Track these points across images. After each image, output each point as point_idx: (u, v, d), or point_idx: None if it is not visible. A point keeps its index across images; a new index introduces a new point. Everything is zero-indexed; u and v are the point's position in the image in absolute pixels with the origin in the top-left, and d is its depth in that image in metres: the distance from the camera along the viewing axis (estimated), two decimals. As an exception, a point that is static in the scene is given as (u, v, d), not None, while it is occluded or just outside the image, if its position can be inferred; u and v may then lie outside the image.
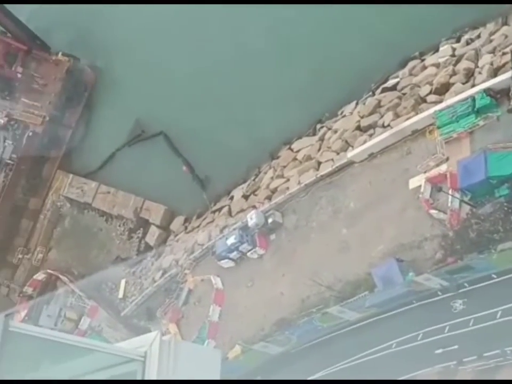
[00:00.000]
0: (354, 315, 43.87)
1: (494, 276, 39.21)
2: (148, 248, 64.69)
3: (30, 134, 70.95)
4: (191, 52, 65.94)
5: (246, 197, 59.04)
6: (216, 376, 18.01)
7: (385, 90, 54.43)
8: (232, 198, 60.98)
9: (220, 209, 60.80)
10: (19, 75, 72.82)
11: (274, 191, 55.77)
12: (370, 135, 51.97)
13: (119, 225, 66.84)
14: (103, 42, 72.30)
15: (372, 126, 52.71)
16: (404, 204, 45.79)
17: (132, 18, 70.03)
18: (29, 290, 66.56)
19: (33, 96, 72.31)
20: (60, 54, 73.73)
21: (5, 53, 73.06)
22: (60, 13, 74.24)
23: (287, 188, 54.24)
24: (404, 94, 52.32)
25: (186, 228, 63.64)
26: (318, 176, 51.56)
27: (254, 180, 60.08)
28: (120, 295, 61.84)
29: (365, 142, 51.22)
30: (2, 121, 72.06)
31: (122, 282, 62.41)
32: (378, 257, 45.11)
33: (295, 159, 57.45)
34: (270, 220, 51.94)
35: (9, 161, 70.95)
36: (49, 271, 67.11)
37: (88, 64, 73.77)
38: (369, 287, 43.85)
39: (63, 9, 73.44)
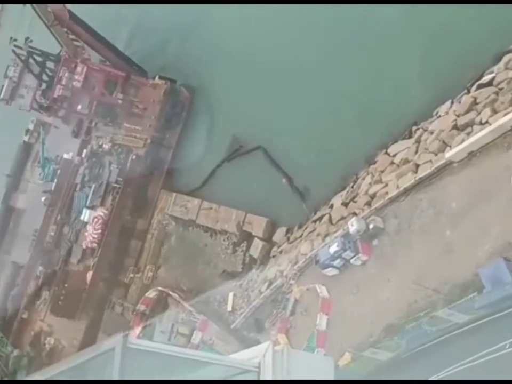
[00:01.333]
0: (464, 317, 43.21)
1: None
2: (253, 260, 65.77)
3: (134, 157, 73.60)
4: (284, 60, 66.79)
5: (345, 204, 59.17)
6: (330, 384, 18.32)
7: (480, 86, 53.43)
8: (331, 206, 61.27)
9: (320, 218, 61.19)
10: (119, 101, 75.77)
11: (373, 196, 55.61)
12: (468, 134, 51.06)
13: (223, 240, 68.27)
14: (195, 60, 74.30)
15: (469, 124, 51.80)
16: (508, 201, 44.71)
17: (221, 33, 71.66)
18: (141, 307, 68.75)
19: (134, 120, 75.07)
20: (157, 77, 76.26)
21: (105, 81, 76.19)
22: (153, 37, 77.01)
23: (386, 193, 53.91)
24: (501, 89, 51.21)
25: (288, 238, 64.35)
26: (417, 178, 51.00)
27: (352, 186, 60.17)
28: (229, 308, 63.10)
29: (463, 141, 50.29)
30: (107, 147, 75.13)
31: (230, 295, 63.66)
32: (485, 258, 44.16)
33: (392, 163, 57.10)
34: (371, 226, 51.83)
35: (115, 185, 73.84)
36: (159, 288, 69.18)
37: (183, 85, 75.88)
38: (477, 288, 43.12)
39: (157, 33, 76.13)
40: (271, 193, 65.68)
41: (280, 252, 63.60)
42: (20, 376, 70.69)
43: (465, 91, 54.98)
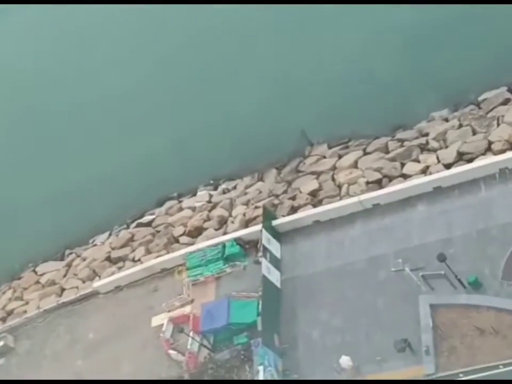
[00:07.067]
0: None
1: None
2: None
3: None
4: None
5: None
6: None
7: (140, 225, 55.03)
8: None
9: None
10: None
11: (10, 313, 53.01)
12: (120, 268, 51.93)
13: None
14: None
15: (122, 259, 52.83)
16: (145, 341, 45.36)
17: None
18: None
19: None
20: None
21: None
22: None
23: (25, 311, 51.95)
24: (158, 231, 53.32)
25: None
26: (60, 302, 50.21)
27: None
28: None
29: (113, 273, 51.09)
30: None
31: None
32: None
33: (37, 282, 55.35)
34: (0, 343, 48.81)
35: None
36: None
37: None
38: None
39: None
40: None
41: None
42: None
43: (125, 226, 56.04)
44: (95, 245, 56.33)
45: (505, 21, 46.98)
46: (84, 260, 55.02)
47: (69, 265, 55.55)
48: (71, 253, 56.97)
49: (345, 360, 37.85)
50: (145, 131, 56.66)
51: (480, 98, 46.52)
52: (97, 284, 50.09)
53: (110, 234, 56.56)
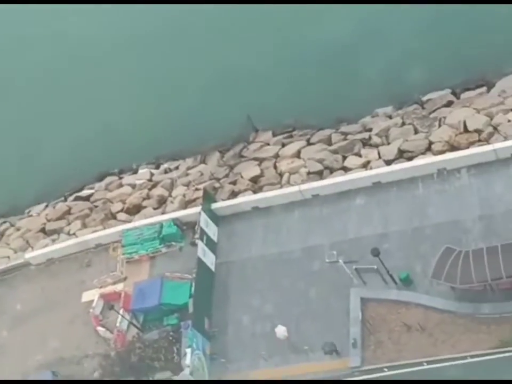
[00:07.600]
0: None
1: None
2: None
3: None
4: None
5: None
6: None
7: (78, 198, 54.28)
8: None
9: None
10: None
11: None
12: (54, 240, 51.22)
13: None
14: None
15: (57, 231, 52.11)
16: (74, 316, 44.95)
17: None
18: None
19: None
20: None
21: None
22: None
23: (-48, 278, 50.62)
24: (96, 206, 52.74)
25: None
26: (-11, 271, 49.16)
27: None
28: None
29: (46, 245, 50.30)
30: None
31: None
32: (34, 367, 43.53)
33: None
34: None
35: None
36: None
37: None
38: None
39: None
40: None
41: None
42: None
43: (63, 198, 55.18)
44: (31, 215, 55.37)
45: (456, 24, 47.67)
46: (18, 230, 54.12)
47: (1, 234, 54.65)
48: (5, 222, 55.93)
49: (281, 330, 38.10)
50: (91, 104, 55.81)
51: (424, 99, 47.13)
52: (29, 255, 49.22)
53: (46, 206, 55.60)
